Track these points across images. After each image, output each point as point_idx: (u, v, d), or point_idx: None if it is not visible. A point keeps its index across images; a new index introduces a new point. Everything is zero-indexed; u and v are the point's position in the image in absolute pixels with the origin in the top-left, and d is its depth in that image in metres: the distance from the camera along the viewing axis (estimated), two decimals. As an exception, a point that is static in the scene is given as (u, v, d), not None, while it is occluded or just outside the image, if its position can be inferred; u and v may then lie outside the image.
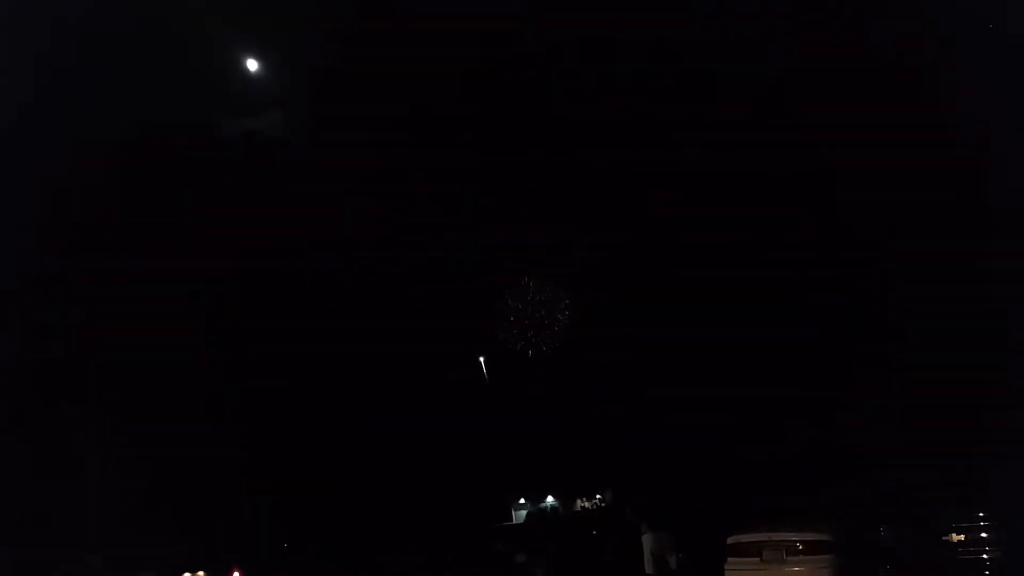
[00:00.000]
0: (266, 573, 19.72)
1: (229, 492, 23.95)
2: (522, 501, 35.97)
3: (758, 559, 11.48)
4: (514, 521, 33.60)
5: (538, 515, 32.10)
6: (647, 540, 13.18)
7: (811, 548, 11.12)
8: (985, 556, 10.48)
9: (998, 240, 17.14)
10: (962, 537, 10.75)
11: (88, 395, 22.81)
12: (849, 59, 18.61)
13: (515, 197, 24.89)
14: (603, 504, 30.35)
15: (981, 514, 10.65)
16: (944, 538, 10.86)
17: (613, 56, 21.79)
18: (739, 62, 20.03)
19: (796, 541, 11.24)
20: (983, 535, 10.57)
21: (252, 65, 20.94)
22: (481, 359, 31.04)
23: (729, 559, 11.89)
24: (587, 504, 32.63)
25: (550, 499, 35.84)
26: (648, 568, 13.19)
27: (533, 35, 21.42)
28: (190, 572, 18.59)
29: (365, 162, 23.95)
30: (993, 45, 15.68)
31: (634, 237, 24.27)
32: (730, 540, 11.99)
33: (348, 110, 23.13)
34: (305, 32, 21.11)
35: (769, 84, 20.23)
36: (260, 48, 21.27)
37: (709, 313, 21.67)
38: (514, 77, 22.91)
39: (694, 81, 21.37)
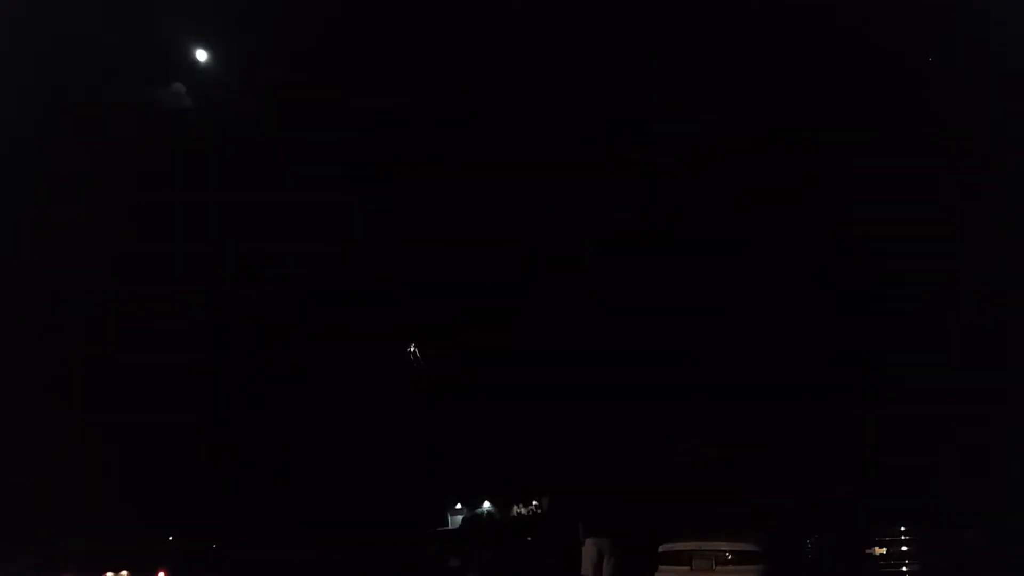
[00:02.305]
0: (193, 574, 19.23)
1: (157, 492, 23.38)
2: (459, 506, 35.90)
3: (688, 568, 11.65)
4: (450, 526, 33.51)
5: (474, 520, 32.07)
6: (589, 545, 13.28)
7: (740, 558, 11.32)
8: (904, 569, 10.77)
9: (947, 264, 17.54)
10: (884, 551, 11.03)
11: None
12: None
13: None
14: (539, 510, 30.48)
15: (903, 528, 10.94)
16: (867, 551, 11.13)
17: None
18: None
19: (726, 551, 11.43)
20: (904, 548, 10.86)
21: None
22: (413, 349, 30.74)
23: (660, 567, 12.03)
24: (523, 510, 32.74)
25: (487, 505, 35.83)
26: (586, 571, 13.29)
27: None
28: (113, 572, 18.00)
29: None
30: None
31: (574, 242, 24.36)
32: (661, 548, 12.14)
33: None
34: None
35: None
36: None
37: (646, 323, 21.88)
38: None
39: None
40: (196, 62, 21.18)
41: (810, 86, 19.37)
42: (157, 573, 18.48)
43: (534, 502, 32.05)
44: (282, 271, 27.03)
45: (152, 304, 24.99)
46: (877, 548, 10.94)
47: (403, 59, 22.20)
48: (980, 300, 17.18)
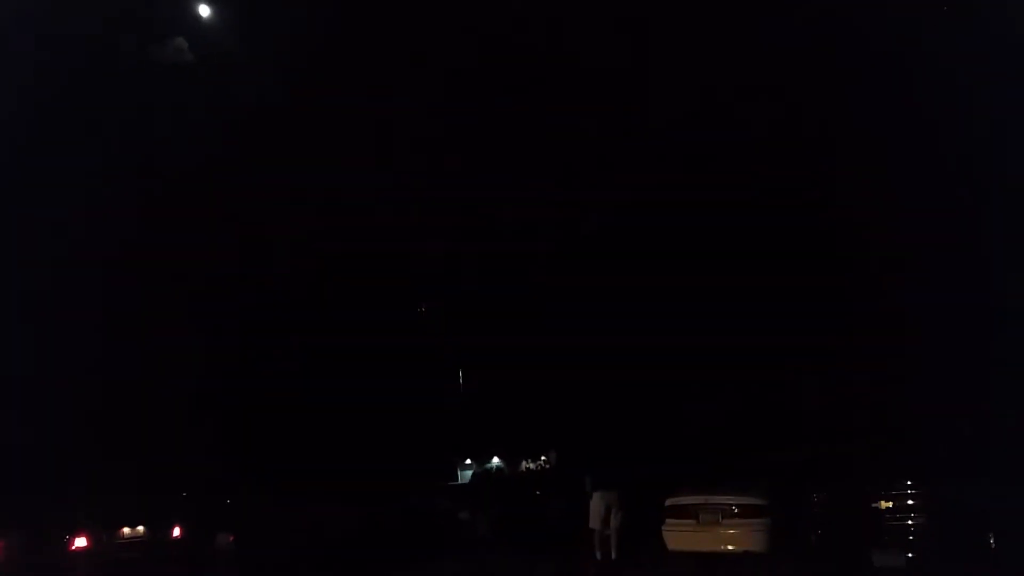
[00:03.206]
0: (207, 529, 19.53)
1: (168, 446, 23.67)
2: (468, 462, 36.33)
3: (694, 521, 11.78)
4: (460, 481, 33.94)
5: (483, 475, 32.49)
6: (596, 498, 13.47)
7: (746, 512, 11.44)
8: (910, 522, 10.85)
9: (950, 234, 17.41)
10: (890, 504, 11.09)
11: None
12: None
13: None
14: (548, 465, 30.85)
15: (908, 482, 10.99)
16: (873, 505, 11.20)
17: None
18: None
19: (732, 505, 11.55)
20: (909, 502, 10.92)
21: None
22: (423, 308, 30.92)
23: (667, 520, 12.17)
24: (532, 465, 33.14)
25: (496, 460, 36.25)
26: (593, 524, 13.50)
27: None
28: (130, 527, 18.28)
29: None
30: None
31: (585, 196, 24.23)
32: (668, 502, 12.26)
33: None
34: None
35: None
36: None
37: (657, 277, 21.86)
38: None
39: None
40: (199, 17, 20.84)
41: (806, 88, 19.14)
42: (172, 528, 18.74)
43: (542, 457, 32.42)
44: (290, 232, 27.01)
45: (159, 262, 25.05)
46: (883, 502, 11.01)
47: (409, 32, 21.85)
48: (984, 260, 17.08)
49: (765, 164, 20.50)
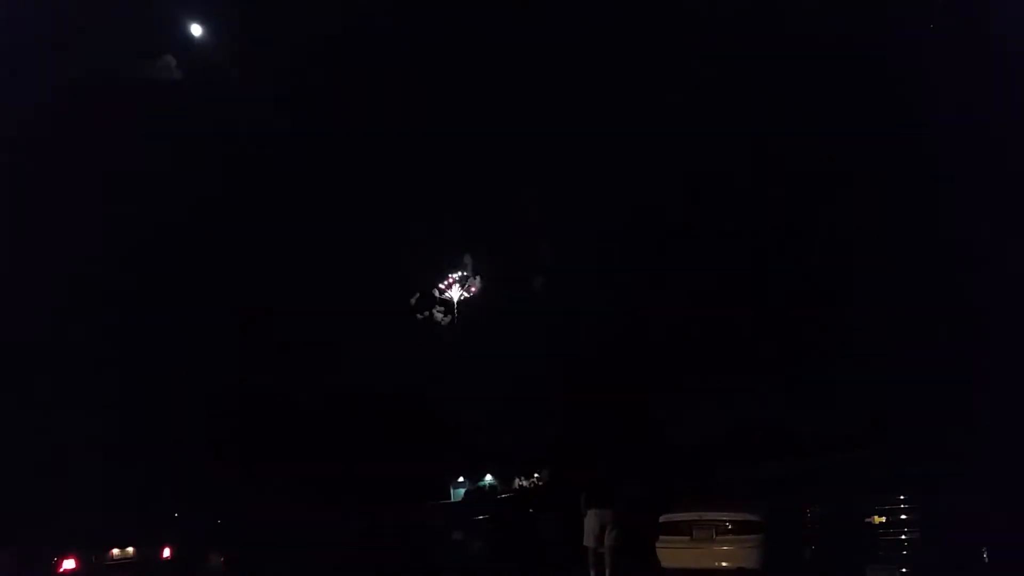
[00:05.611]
0: (198, 550, 19.37)
1: (160, 466, 23.53)
2: (461, 480, 36.14)
3: (688, 537, 11.74)
4: (453, 499, 33.79)
5: (476, 493, 32.32)
6: (591, 516, 13.42)
7: (740, 528, 11.41)
8: (903, 537, 10.82)
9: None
10: (883, 519, 11.07)
11: None
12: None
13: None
14: (541, 483, 30.75)
15: (901, 497, 10.98)
16: (867, 520, 11.18)
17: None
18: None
19: (726, 521, 11.53)
20: (903, 517, 10.91)
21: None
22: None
23: (661, 537, 12.12)
24: (525, 483, 33.04)
25: (489, 478, 36.07)
26: (588, 542, 13.43)
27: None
28: (119, 548, 18.09)
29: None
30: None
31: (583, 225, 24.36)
32: (662, 519, 12.23)
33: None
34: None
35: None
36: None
37: (649, 298, 21.91)
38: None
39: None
40: (191, 36, 20.96)
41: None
42: (163, 549, 18.56)
43: (535, 475, 32.32)
44: (282, 244, 27.06)
45: (152, 280, 25.01)
46: (876, 516, 10.98)
47: (404, 52, 22.05)
48: (977, 270, 17.17)
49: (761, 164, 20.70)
